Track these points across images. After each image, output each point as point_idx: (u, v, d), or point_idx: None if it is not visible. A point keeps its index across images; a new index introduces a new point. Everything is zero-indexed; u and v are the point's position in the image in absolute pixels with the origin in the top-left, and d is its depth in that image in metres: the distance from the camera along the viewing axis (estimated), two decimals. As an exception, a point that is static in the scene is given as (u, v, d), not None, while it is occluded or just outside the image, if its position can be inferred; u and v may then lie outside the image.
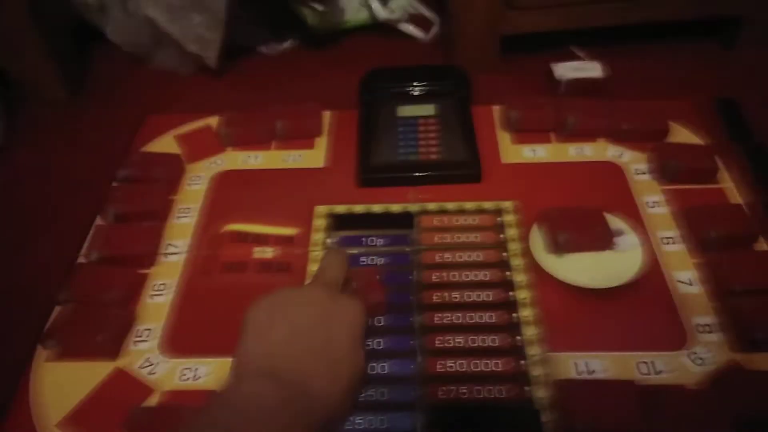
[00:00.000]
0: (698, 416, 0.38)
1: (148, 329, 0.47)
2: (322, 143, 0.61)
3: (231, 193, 0.57)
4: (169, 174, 0.57)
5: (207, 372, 0.44)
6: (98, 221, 0.54)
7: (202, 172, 0.59)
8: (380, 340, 0.45)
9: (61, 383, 0.43)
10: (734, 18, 0.75)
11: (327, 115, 0.64)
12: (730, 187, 0.55)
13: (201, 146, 0.61)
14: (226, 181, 0.58)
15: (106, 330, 0.45)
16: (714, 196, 0.54)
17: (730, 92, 0.65)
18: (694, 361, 0.42)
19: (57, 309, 0.47)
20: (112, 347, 0.45)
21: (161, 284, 0.50)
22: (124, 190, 0.56)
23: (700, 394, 0.40)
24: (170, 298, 0.49)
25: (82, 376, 0.44)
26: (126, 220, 0.54)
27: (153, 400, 0.42)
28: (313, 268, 0.50)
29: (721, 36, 0.78)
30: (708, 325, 0.45)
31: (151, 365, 0.44)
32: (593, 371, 0.42)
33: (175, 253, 0.52)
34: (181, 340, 0.46)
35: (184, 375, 0.44)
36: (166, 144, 0.62)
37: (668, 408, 0.38)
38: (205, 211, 0.56)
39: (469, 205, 0.54)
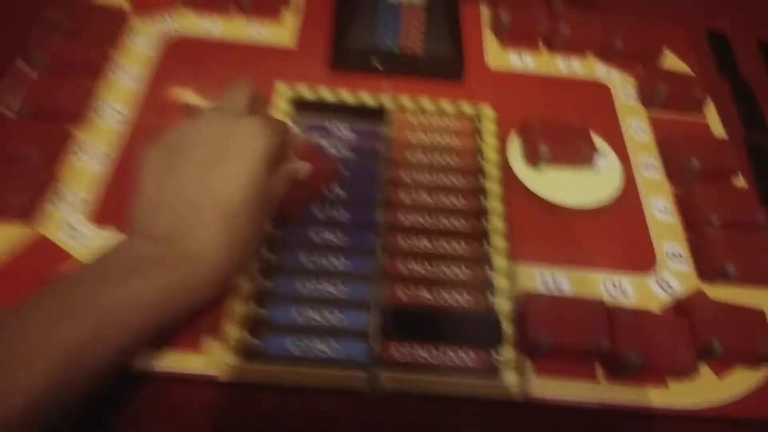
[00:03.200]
0: (663, 340, 0.37)
1: (75, 194, 0.41)
2: (289, 20, 0.55)
3: (183, 63, 0.50)
4: (107, 25, 0.50)
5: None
6: (20, 65, 0.47)
7: (150, 31, 0.52)
8: (341, 234, 0.41)
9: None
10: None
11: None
12: (715, 120, 0.53)
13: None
14: (177, 49, 0.51)
15: (22, 188, 0.38)
16: (698, 128, 0.52)
17: (727, 24, 0.62)
18: (661, 286, 0.41)
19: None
20: (29, 207, 0.39)
21: (94, 148, 0.43)
22: (51, 34, 0.48)
23: (666, 319, 0.39)
24: (106, 165, 0.43)
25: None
26: (54, 69, 0.46)
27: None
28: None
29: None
30: (678, 255, 0.43)
31: (76, 233, 0.39)
32: (560, 286, 0.41)
33: (114, 118, 0.45)
34: (116, 213, 0.40)
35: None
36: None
37: (634, 329, 0.37)
38: (152, 77, 0.49)
39: (448, 106, 0.50)
